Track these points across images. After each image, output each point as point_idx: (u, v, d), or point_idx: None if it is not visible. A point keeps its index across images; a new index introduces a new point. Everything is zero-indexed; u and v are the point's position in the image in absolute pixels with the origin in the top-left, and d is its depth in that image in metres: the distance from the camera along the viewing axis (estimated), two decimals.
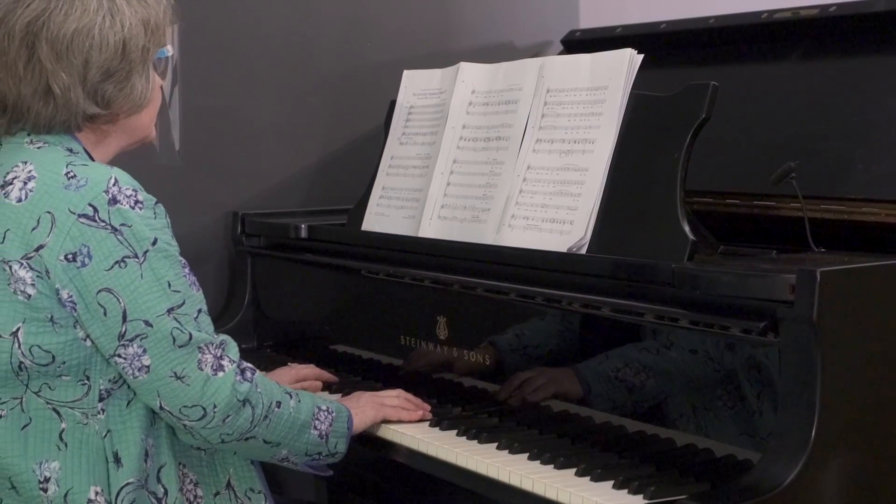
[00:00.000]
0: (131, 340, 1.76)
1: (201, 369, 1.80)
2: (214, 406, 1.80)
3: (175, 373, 1.78)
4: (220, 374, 1.81)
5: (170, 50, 1.97)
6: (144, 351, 1.77)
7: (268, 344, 2.66)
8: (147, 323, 1.76)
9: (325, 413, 1.97)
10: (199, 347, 1.80)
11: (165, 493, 1.84)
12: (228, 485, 1.94)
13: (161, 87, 1.97)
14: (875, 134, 2.18)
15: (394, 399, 2.13)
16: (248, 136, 2.78)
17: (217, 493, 1.93)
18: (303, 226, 2.57)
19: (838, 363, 1.64)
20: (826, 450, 1.62)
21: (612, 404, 1.95)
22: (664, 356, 1.86)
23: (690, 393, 1.82)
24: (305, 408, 1.94)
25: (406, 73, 2.55)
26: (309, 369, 2.37)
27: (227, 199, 2.76)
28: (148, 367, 1.78)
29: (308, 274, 2.59)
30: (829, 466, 1.63)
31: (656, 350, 1.88)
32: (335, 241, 2.52)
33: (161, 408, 1.80)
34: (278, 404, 1.89)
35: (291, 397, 1.92)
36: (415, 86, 2.52)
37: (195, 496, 1.90)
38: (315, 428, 1.95)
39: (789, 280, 1.64)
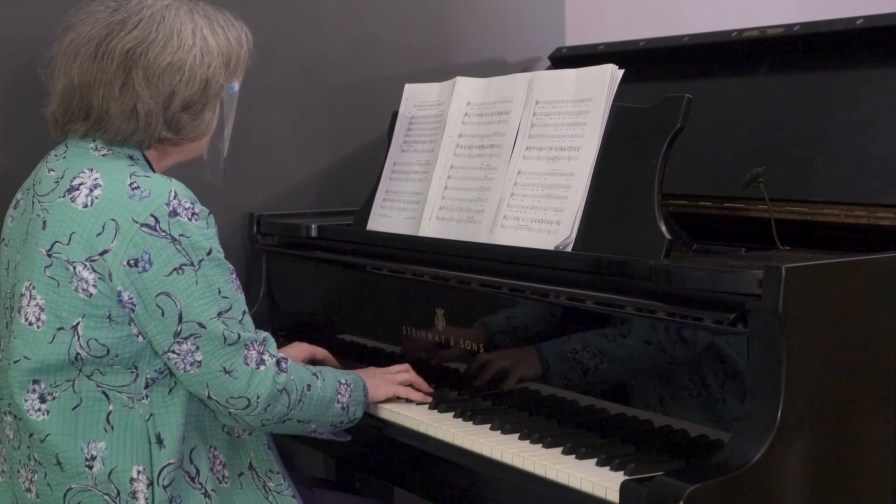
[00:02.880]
0: (186, 338, 1.77)
1: (247, 364, 1.82)
2: (258, 397, 1.82)
3: (224, 367, 1.80)
4: (262, 367, 1.83)
5: (237, 86, 1.97)
6: (197, 348, 1.78)
7: (281, 333, 2.65)
8: (201, 325, 1.77)
9: (345, 386, 1.99)
10: (246, 345, 1.82)
11: (197, 472, 1.85)
12: (251, 466, 1.95)
13: (219, 116, 1.97)
14: (835, 142, 2.18)
15: (403, 375, 2.15)
16: (264, 144, 2.78)
17: (241, 474, 1.94)
18: (313, 226, 2.56)
19: (801, 351, 1.64)
20: (790, 430, 1.62)
21: (567, 383, 1.96)
22: (619, 343, 1.87)
23: (656, 383, 1.82)
24: (329, 385, 1.96)
25: (407, 86, 2.55)
26: (321, 351, 2.37)
27: (243, 202, 2.75)
28: (200, 361, 1.79)
29: (318, 270, 2.59)
30: (792, 445, 1.63)
31: (613, 337, 1.88)
32: (342, 239, 2.52)
33: (209, 397, 1.82)
34: (308, 387, 1.91)
35: (317, 378, 1.94)
36: (415, 98, 2.51)
37: (223, 476, 1.91)
38: (338, 402, 1.97)
39: (757, 275, 1.64)
